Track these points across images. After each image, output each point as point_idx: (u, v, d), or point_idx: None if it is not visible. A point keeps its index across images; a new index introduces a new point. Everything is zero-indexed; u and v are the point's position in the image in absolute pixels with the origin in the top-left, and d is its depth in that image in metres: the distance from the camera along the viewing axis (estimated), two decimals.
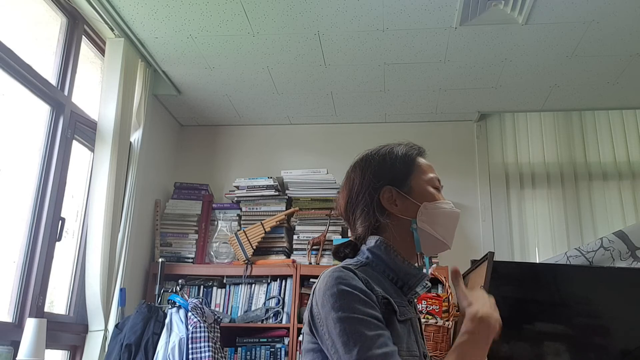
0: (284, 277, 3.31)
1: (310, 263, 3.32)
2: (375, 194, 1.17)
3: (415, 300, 1.22)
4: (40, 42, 2.66)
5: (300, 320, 3.16)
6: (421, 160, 1.23)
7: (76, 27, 2.76)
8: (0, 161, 2.35)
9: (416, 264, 1.18)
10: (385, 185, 1.17)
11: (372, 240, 1.16)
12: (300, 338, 3.10)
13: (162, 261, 3.19)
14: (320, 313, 1.03)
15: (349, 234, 1.23)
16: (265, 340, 3.15)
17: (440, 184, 1.23)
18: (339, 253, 1.22)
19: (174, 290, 2.94)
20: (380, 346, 0.96)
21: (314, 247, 3.37)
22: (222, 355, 2.69)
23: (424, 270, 1.19)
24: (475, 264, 2.94)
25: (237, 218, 3.54)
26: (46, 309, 2.47)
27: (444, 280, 3.04)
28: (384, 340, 0.98)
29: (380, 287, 1.07)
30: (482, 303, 1.09)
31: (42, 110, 2.56)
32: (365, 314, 0.99)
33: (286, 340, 3.13)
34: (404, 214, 1.16)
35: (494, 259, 2.65)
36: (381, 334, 0.98)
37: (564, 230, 3.56)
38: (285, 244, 3.43)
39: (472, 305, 1.07)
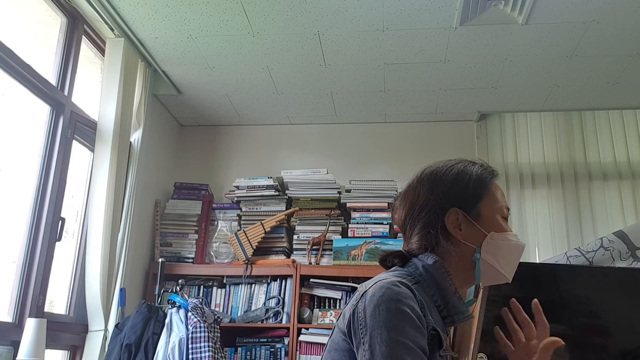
0: (284, 277, 3.31)
1: (310, 263, 3.32)
2: (442, 214, 1.10)
3: (448, 333, 1.16)
4: (40, 42, 2.66)
5: (300, 321, 3.17)
6: (494, 185, 1.15)
7: (76, 27, 2.76)
8: (0, 161, 2.35)
9: (460, 294, 1.12)
10: (453, 207, 1.10)
11: (429, 259, 1.09)
12: (302, 338, 3.11)
13: (162, 261, 3.19)
14: (366, 321, 0.96)
15: (403, 246, 1.16)
16: (265, 340, 3.15)
17: (509, 212, 1.16)
18: (387, 262, 1.15)
19: (174, 290, 2.94)
20: None
21: (314, 247, 3.37)
22: (222, 355, 2.69)
23: (473, 304, 1.13)
24: None
25: (237, 218, 3.54)
26: (46, 309, 2.47)
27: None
28: None
29: (429, 312, 1.02)
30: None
31: (42, 110, 2.56)
32: (414, 342, 0.93)
33: (286, 340, 3.13)
34: (467, 241, 1.09)
35: None
36: None
37: (564, 230, 3.56)
38: (285, 244, 3.43)
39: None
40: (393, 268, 1.12)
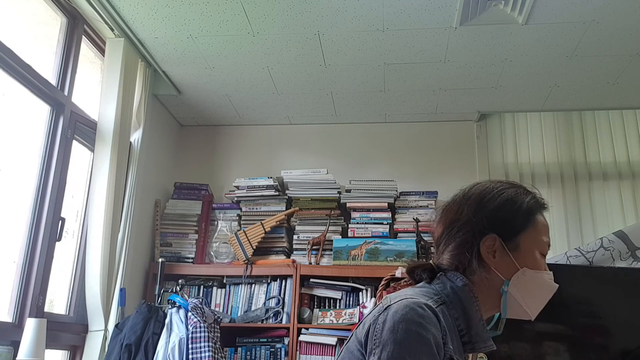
0: (284, 277, 3.31)
1: (310, 263, 3.32)
2: (479, 238, 1.07)
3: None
4: (40, 42, 2.66)
5: (300, 321, 3.17)
6: (541, 218, 1.11)
7: (76, 27, 2.76)
8: (0, 161, 2.35)
9: (484, 322, 1.09)
10: (492, 234, 1.07)
11: (458, 280, 1.06)
12: (302, 338, 3.11)
13: (162, 261, 3.19)
14: (382, 334, 0.93)
15: (434, 259, 1.13)
16: (265, 340, 3.15)
17: (549, 248, 1.12)
18: (415, 275, 1.12)
19: (174, 290, 2.94)
20: None
21: (314, 247, 3.37)
22: (222, 355, 2.69)
23: (495, 332, 1.10)
24: None
25: (237, 218, 3.54)
26: (46, 309, 2.47)
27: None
28: None
29: (451, 338, 0.99)
30: None
31: (42, 110, 2.56)
32: None
33: (286, 340, 3.13)
34: (498, 270, 1.06)
35: None
36: None
37: (564, 230, 3.56)
38: (285, 244, 3.43)
39: None
40: (421, 284, 1.10)
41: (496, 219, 1.08)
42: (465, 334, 1.04)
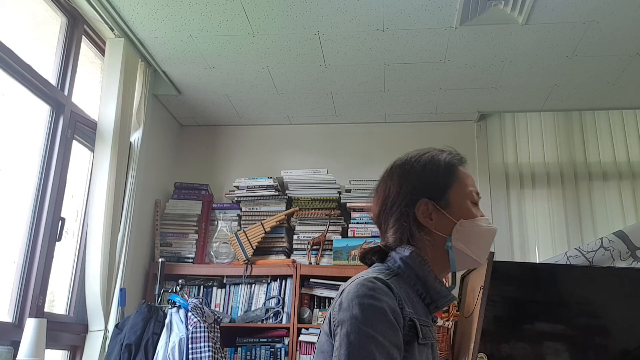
0: (284, 277, 3.31)
1: (310, 263, 3.32)
2: (412, 206, 1.12)
3: (436, 320, 1.20)
4: (40, 42, 2.66)
5: (300, 321, 3.17)
6: (462, 170, 1.17)
7: (76, 27, 2.76)
8: (0, 161, 2.35)
9: (444, 281, 1.15)
10: (423, 198, 1.12)
11: (405, 250, 1.11)
12: (302, 338, 3.11)
13: (162, 261, 3.19)
14: (339, 315, 0.99)
15: (380, 241, 1.19)
16: (265, 340, 3.15)
17: (479, 197, 1.18)
18: (366, 259, 1.17)
19: (174, 290, 2.94)
20: None
21: (314, 247, 3.37)
22: (222, 355, 2.69)
23: (453, 290, 1.15)
24: None
25: (237, 218, 3.54)
26: (46, 309, 2.47)
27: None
28: None
29: (410, 303, 1.04)
30: None
31: (42, 110, 2.56)
32: (384, 336, 0.95)
33: (286, 340, 3.13)
34: (438, 230, 1.11)
35: (494, 259, 2.65)
36: None
37: (564, 230, 3.56)
38: (285, 244, 3.43)
39: None
40: (373, 265, 1.15)
41: (421, 184, 1.14)
42: (425, 296, 1.10)
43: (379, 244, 1.18)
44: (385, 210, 1.16)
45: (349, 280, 1.06)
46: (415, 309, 1.05)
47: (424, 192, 1.13)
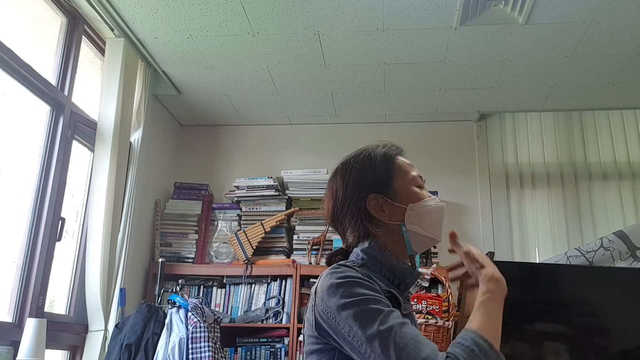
0: (284, 277, 3.31)
1: (310, 263, 3.32)
2: (361, 203, 1.16)
3: (409, 299, 1.23)
4: (40, 42, 2.66)
5: (300, 320, 3.17)
6: (400, 159, 1.22)
7: (76, 27, 2.76)
8: (0, 161, 2.35)
9: (409, 264, 1.19)
10: (370, 194, 1.16)
11: (364, 243, 1.16)
12: (301, 338, 3.11)
13: (162, 261, 3.19)
14: (327, 308, 1.02)
15: (342, 243, 1.25)
16: (265, 340, 3.15)
17: (423, 180, 1.23)
18: (332, 261, 1.21)
19: (174, 290, 2.94)
20: (397, 317, 0.97)
21: (314, 247, 3.37)
22: (222, 355, 2.69)
23: (418, 269, 1.20)
24: None
25: (237, 218, 3.54)
26: (46, 309, 2.47)
27: (444, 280, 3.04)
28: (398, 314, 0.99)
29: (380, 282, 1.08)
30: (493, 265, 1.09)
31: (42, 110, 2.56)
32: (373, 294, 1.00)
33: (286, 340, 3.13)
34: (392, 219, 1.16)
35: (494, 259, 2.65)
36: (394, 309, 1.00)
37: (564, 230, 3.56)
38: (285, 244, 3.43)
39: (486, 267, 1.08)
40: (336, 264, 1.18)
41: (364, 180, 1.18)
42: (393, 278, 1.14)
43: (341, 246, 1.23)
44: (337, 213, 1.20)
45: (317, 281, 1.10)
46: (388, 287, 1.10)
47: (370, 188, 1.17)
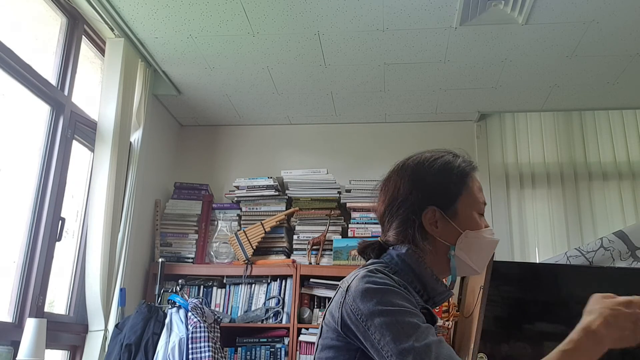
0: (284, 277, 3.31)
1: (310, 263, 3.32)
2: (420, 212, 1.11)
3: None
4: (40, 42, 2.66)
5: (300, 321, 3.17)
6: (474, 179, 1.16)
7: (76, 27, 2.76)
8: (0, 161, 2.35)
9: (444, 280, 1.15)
10: (431, 206, 1.11)
11: (402, 248, 1.11)
12: (302, 338, 3.11)
13: (162, 261, 3.19)
14: (361, 311, 0.97)
15: (381, 237, 1.18)
16: (265, 340, 3.15)
17: (485, 206, 1.17)
18: (365, 254, 1.18)
19: (174, 290, 2.94)
20: (434, 334, 0.94)
21: (314, 247, 3.37)
22: (222, 355, 2.69)
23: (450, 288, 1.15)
24: None
25: (237, 218, 3.53)
26: (46, 309, 2.47)
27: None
28: (434, 332, 0.96)
29: (417, 297, 1.05)
30: (599, 312, 0.93)
31: (42, 110, 2.56)
32: (410, 307, 0.97)
33: (286, 340, 3.13)
34: (443, 238, 1.11)
35: (494, 259, 2.65)
36: (430, 326, 0.96)
37: (564, 230, 3.56)
38: (285, 244, 3.43)
39: (589, 314, 0.94)
40: (369, 261, 1.15)
41: (432, 192, 1.13)
42: (423, 293, 1.10)
43: (378, 239, 1.18)
44: (391, 211, 1.15)
45: (349, 277, 1.06)
46: (417, 302, 1.06)
47: (433, 200, 1.12)
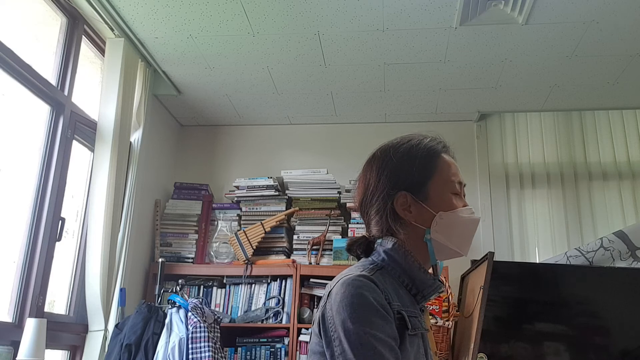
0: (284, 277, 3.31)
1: (310, 263, 3.32)
2: (389, 199, 1.10)
3: (424, 310, 1.18)
4: (40, 42, 2.66)
5: (300, 321, 3.17)
6: (444, 159, 1.15)
7: (76, 27, 2.76)
8: (0, 161, 2.35)
9: (430, 271, 1.13)
10: (401, 191, 1.10)
11: (388, 242, 1.11)
12: (302, 338, 3.11)
13: (162, 261, 3.19)
14: (334, 319, 0.98)
15: (365, 232, 1.18)
16: (265, 340, 3.15)
17: (463, 185, 1.16)
18: (352, 251, 1.18)
19: (174, 290, 2.94)
20: None
21: (314, 247, 3.37)
22: (222, 355, 2.69)
23: (438, 279, 1.14)
24: (475, 264, 2.94)
25: (237, 218, 3.54)
26: (46, 309, 2.47)
27: (444, 281, 3.04)
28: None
29: (396, 296, 1.04)
30: None
31: (42, 110, 2.56)
32: (383, 331, 0.95)
33: (286, 340, 3.13)
34: (418, 222, 1.10)
35: (494, 259, 2.65)
36: (396, 357, 0.95)
37: (564, 230, 3.56)
38: (285, 244, 3.43)
39: None
40: (359, 262, 1.14)
41: (399, 177, 1.12)
42: (411, 287, 1.10)
43: (364, 234, 1.18)
44: (365, 202, 1.15)
45: (334, 280, 1.06)
46: (402, 301, 1.05)
47: (402, 185, 1.11)
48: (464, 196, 1.16)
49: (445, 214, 1.10)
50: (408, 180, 1.11)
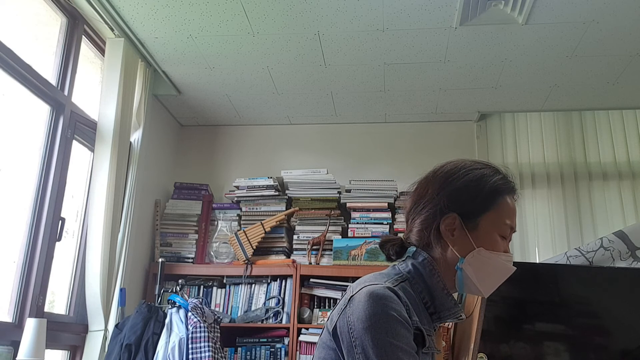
0: (284, 277, 3.31)
1: (310, 263, 3.32)
2: (440, 216, 1.10)
3: (437, 330, 1.18)
4: (40, 42, 2.66)
5: (300, 321, 3.17)
6: (507, 200, 1.13)
7: (76, 27, 2.76)
8: (0, 161, 2.35)
9: (454, 295, 1.13)
10: (453, 212, 1.09)
11: (419, 256, 1.11)
12: (302, 338, 3.11)
13: (162, 261, 3.19)
14: (355, 326, 0.97)
15: (404, 234, 1.18)
16: (265, 340, 3.15)
17: (513, 231, 1.14)
18: (385, 249, 1.17)
19: (174, 290, 2.94)
20: None
21: (314, 247, 3.37)
22: (222, 355, 2.69)
23: (460, 306, 1.13)
24: None
25: (237, 218, 3.54)
26: (46, 309, 2.47)
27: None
28: None
29: (415, 311, 1.04)
30: None
31: (42, 110, 2.56)
32: (406, 342, 0.96)
33: (286, 340, 3.13)
34: (456, 248, 1.09)
35: None
36: None
37: (564, 230, 3.56)
38: (285, 244, 3.43)
39: None
40: (386, 270, 1.13)
41: (458, 199, 1.10)
42: (430, 305, 1.09)
43: (401, 236, 1.17)
44: (416, 208, 1.15)
45: (357, 284, 1.05)
46: (420, 317, 1.04)
47: (457, 207, 1.10)
48: (509, 241, 1.15)
49: (484, 252, 1.09)
50: (466, 205, 1.10)
